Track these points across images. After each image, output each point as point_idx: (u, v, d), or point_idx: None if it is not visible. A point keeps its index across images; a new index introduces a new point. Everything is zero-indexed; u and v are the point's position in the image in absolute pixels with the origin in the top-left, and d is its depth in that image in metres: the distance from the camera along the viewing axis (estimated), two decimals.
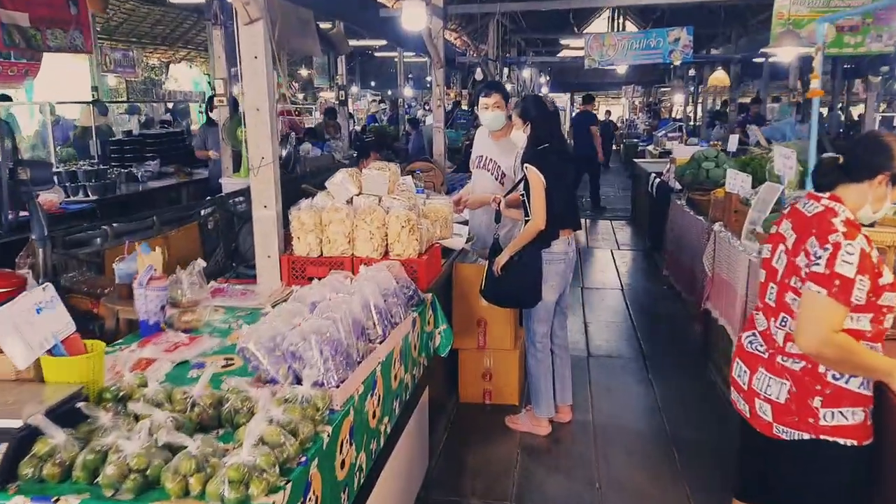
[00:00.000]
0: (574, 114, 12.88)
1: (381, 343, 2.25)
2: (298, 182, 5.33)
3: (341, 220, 3.00)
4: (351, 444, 1.91)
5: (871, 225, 2.29)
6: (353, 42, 12.07)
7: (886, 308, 1.88)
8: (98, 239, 3.93)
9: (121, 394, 1.78)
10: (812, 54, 6.37)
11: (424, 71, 18.19)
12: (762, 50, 7.76)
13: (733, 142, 7.21)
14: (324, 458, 1.70)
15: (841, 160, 1.96)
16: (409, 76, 16.34)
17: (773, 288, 2.07)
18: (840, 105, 11.70)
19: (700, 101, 17.03)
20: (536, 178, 3.33)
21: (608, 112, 20.92)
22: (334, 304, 2.12)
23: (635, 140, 16.09)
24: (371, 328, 2.26)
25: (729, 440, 3.50)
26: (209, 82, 11.42)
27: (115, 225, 4.02)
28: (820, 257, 1.85)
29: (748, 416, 2.12)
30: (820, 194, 1.99)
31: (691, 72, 17.01)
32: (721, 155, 5.82)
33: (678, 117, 18.64)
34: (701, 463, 3.40)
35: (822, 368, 1.93)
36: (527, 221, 3.44)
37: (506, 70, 13.90)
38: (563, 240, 3.51)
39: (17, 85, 8.58)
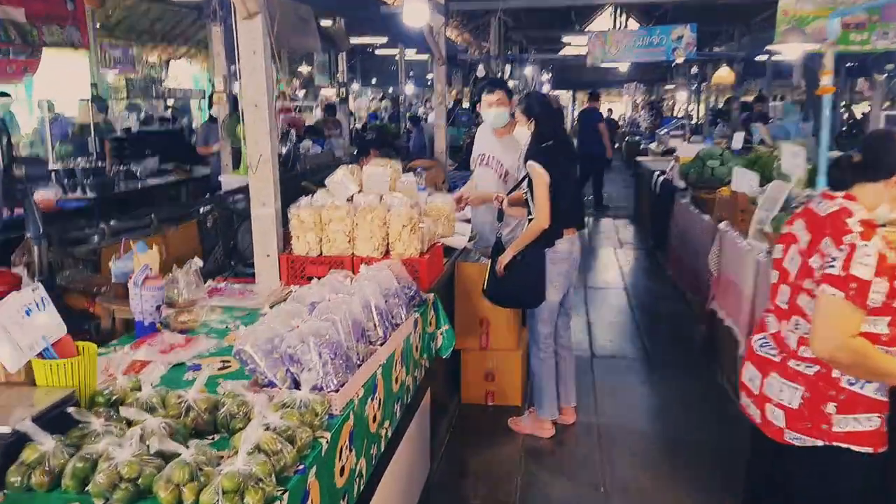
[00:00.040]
0: (579, 111, 12.81)
1: (381, 345, 2.20)
2: (298, 180, 5.27)
3: (341, 219, 2.94)
4: (351, 450, 1.85)
5: (882, 225, 2.23)
6: (353, 39, 12.01)
7: None
8: (95, 237, 3.88)
9: (113, 398, 1.73)
10: (817, 51, 6.31)
11: (425, 68, 18.12)
12: (767, 47, 7.70)
13: (738, 140, 7.15)
14: (322, 465, 1.64)
15: (857, 158, 1.90)
16: (411, 74, 16.25)
17: (784, 290, 2.01)
18: (843, 103, 11.63)
19: (703, 99, 16.96)
20: (540, 176, 3.27)
21: (610, 110, 20.82)
22: (334, 305, 2.07)
23: (637, 138, 16.00)
24: (371, 329, 2.21)
25: (736, 443, 3.44)
26: (209, 79, 11.36)
27: (112, 223, 3.98)
28: (835, 259, 1.79)
29: (759, 421, 2.06)
30: (835, 193, 1.93)
31: (693, 69, 16.94)
32: (726, 153, 5.76)
33: (681, 115, 18.58)
34: (707, 466, 3.35)
35: (836, 373, 1.87)
36: (530, 220, 3.39)
37: (507, 67, 13.82)
38: (567, 239, 3.45)
39: (16, 82, 8.52)
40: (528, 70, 16.77)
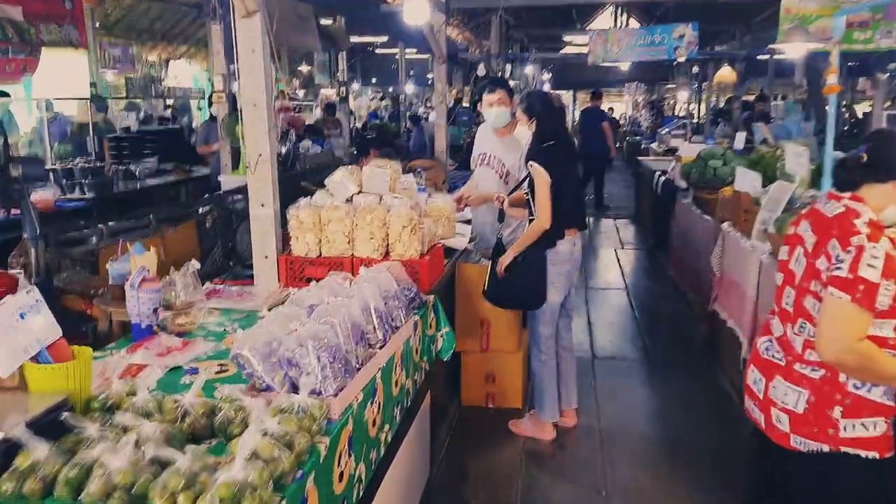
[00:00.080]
0: (581, 110, 12.78)
1: (381, 348, 2.17)
2: (298, 180, 5.24)
3: (341, 220, 2.91)
4: (350, 455, 1.82)
5: (890, 226, 2.20)
6: (353, 38, 11.98)
7: None
8: (93, 238, 3.85)
9: (109, 402, 1.70)
10: (820, 50, 6.28)
11: (426, 68, 18.09)
12: (770, 46, 7.66)
13: (740, 140, 7.12)
14: (321, 471, 1.61)
15: (864, 159, 1.87)
16: (411, 73, 16.23)
17: (790, 292, 1.98)
18: (844, 103, 11.60)
19: (704, 98, 16.92)
20: (541, 176, 3.25)
21: (611, 109, 20.78)
22: (333, 307, 2.04)
23: (638, 137, 15.98)
24: (371, 332, 2.18)
25: (737, 445, 3.42)
26: (209, 79, 11.33)
27: (110, 223, 3.94)
28: (842, 260, 1.76)
29: (763, 425, 2.03)
30: (841, 194, 1.90)
31: (695, 69, 16.90)
32: (729, 153, 5.73)
33: (682, 115, 18.54)
34: (708, 468, 3.32)
35: (842, 377, 1.84)
36: (531, 221, 3.36)
37: (508, 67, 13.79)
38: (568, 240, 3.42)
39: (15, 81, 8.49)
40: (529, 69, 16.73)
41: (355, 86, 18.04)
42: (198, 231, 4.24)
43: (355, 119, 13.42)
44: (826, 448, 1.86)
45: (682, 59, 10.40)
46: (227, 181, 5.81)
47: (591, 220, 9.93)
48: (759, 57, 13.45)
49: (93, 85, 8.79)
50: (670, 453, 3.52)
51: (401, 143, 10.65)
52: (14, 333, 1.62)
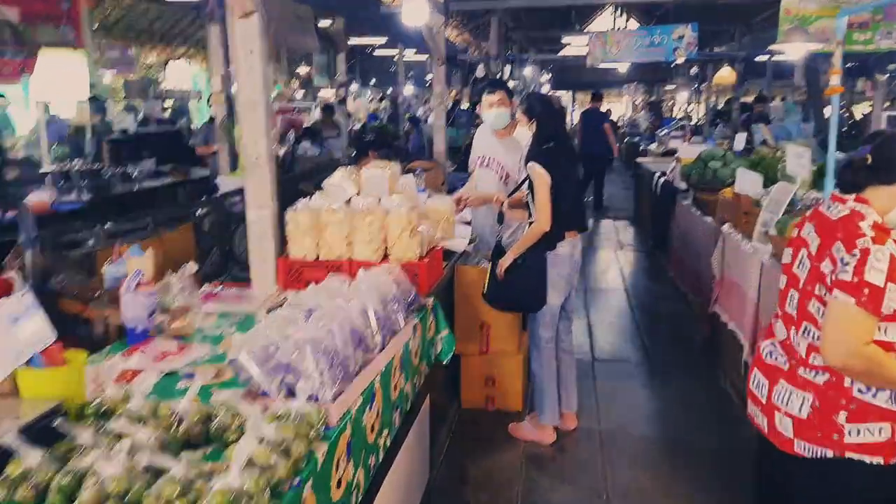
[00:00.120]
0: (581, 111, 12.76)
1: (380, 352, 2.14)
2: (296, 181, 5.22)
3: (339, 222, 2.89)
4: (348, 462, 1.80)
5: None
6: (352, 39, 11.96)
7: None
8: (90, 240, 3.83)
9: (103, 409, 1.68)
10: (821, 51, 6.27)
11: (425, 69, 18.08)
12: (770, 47, 7.64)
13: (740, 141, 7.10)
14: (318, 478, 1.59)
15: (869, 161, 1.85)
16: (410, 74, 16.23)
17: (794, 295, 1.96)
18: (843, 104, 11.59)
19: (703, 99, 16.91)
20: (541, 178, 3.22)
21: (609, 110, 20.79)
22: (331, 311, 2.01)
23: (637, 139, 15.96)
24: (370, 336, 2.15)
25: (738, 446, 3.41)
26: (208, 80, 11.32)
27: (107, 226, 3.92)
28: (847, 264, 1.74)
29: (766, 430, 2.00)
30: (845, 196, 1.88)
31: (694, 70, 16.89)
32: (729, 154, 5.71)
33: (680, 116, 18.54)
34: (710, 471, 3.30)
35: (847, 382, 1.82)
36: (531, 223, 3.34)
37: (507, 68, 13.78)
38: (568, 241, 3.40)
39: (13, 82, 8.46)
40: (528, 70, 16.73)
41: (354, 87, 18.03)
42: (195, 233, 4.21)
43: (354, 121, 13.40)
44: (830, 453, 1.84)
45: (681, 61, 10.40)
46: (226, 183, 5.77)
47: (591, 221, 9.91)
48: (757, 58, 13.45)
49: (91, 86, 8.77)
50: (671, 455, 3.49)
51: (399, 145, 10.62)
52: (6, 338, 1.60)
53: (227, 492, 1.32)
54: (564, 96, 24.83)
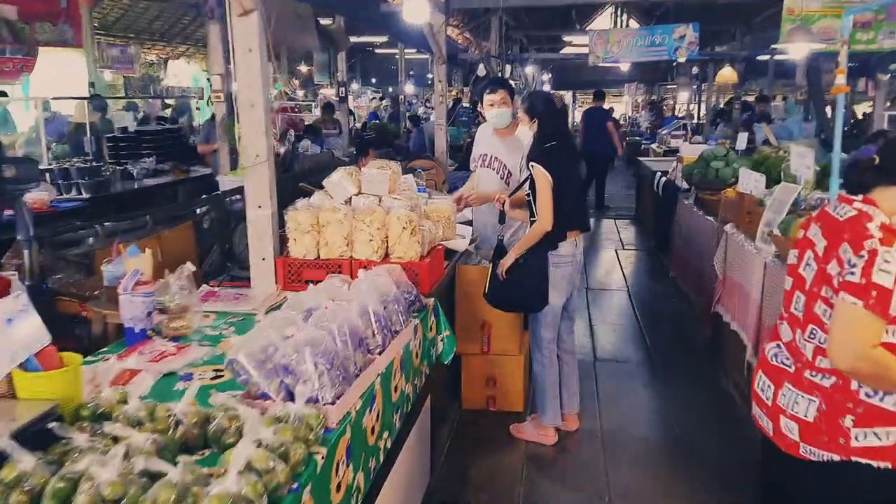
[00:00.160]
0: (584, 110, 12.73)
1: (380, 353, 2.12)
2: (297, 180, 5.19)
3: (339, 221, 2.86)
4: (348, 465, 1.77)
5: None
6: (353, 38, 11.93)
7: None
8: (89, 239, 3.81)
9: (99, 411, 1.65)
10: (825, 50, 6.24)
11: (425, 68, 18.06)
12: (774, 46, 7.61)
13: (742, 140, 7.08)
14: (317, 482, 1.56)
15: (876, 161, 1.82)
16: (410, 73, 16.19)
17: (799, 297, 1.93)
18: (844, 103, 11.56)
19: (704, 98, 16.88)
20: (543, 178, 3.20)
21: (611, 108, 20.75)
22: (330, 312, 1.99)
23: (638, 138, 15.95)
24: (370, 337, 2.13)
25: (742, 448, 3.39)
26: (208, 78, 11.30)
27: (106, 224, 3.90)
28: (854, 265, 1.71)
29: (771, 434, 1.98)
30: (852, 197, 1.85)
31: (694, 69, 16.86)
32: (731, 154, 5.69)
33: (681, 115, 18.51)
34: (713, 473, 3.28)
35: (854, 385, 1.79)
36: (532, 222, 3.31)
37: (508, 67, 13.76)
38: (570, 241, 3.37)
39: (13, 81, 8.44)
40: (529, 69, 16.70)
41: (355, 86, 18.01)
42: (195, 232, 4.19)
43: (355, 119, 13.37)
44: (836, 458, 1.81)
45: (682, 60, 10.38)
46: (226, 181, 5.76)
47: (592, 221, 9.88)
48: (759, 57, 13.42)
49: (91, 84, 8.75)
50: (673, 456, 3.47)
51: (400, 144, 10.60)
52: (1, 340, 1.57)
53: (225, 497, 1.30)
54: (565, 96, 24.81)
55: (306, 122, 9.64)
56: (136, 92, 12.56)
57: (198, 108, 11.89)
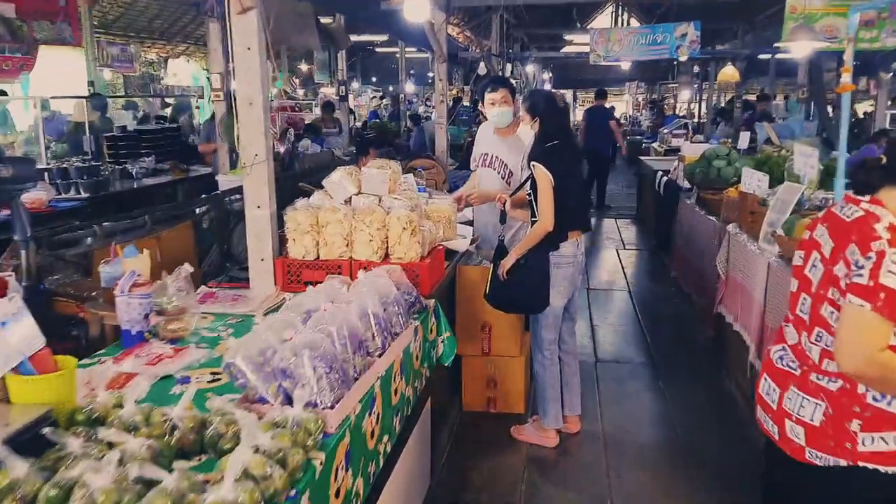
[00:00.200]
0: (586, 109, 12.71)
1: (380, 356, 2.09)
2: (297, 179, 5.17)
3: (339, 221, 2.84)
4: (347, 470, 1.75)
5: None
6: (353, 37, 11.89)
7: None
8: (87, 239, 3.77)
9: (94, 415, 1.62)
10: (828, 49, 6.21)
11: (426, 67, 18.03)
12: (776, 44, 7.57)
13: (744, 139, 7.04)
14: (316, 488, 1.54)
15: (883, 160, 1.79)
16: (411, 72, 16.16)
17: (805, 299, 1.90)
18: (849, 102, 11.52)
19: (705, 97, 16.85)
20: (544, 177, 3.17)
21: (613, 107, 20.73)
22: (330, 314, 1.96)
23: (639, 137, 15.91)
24: (370, 340, 2.10)
25: (745, 449, 3.37)
26: (208, 77, 11.27)
27: (104, 224, 3.87)
28: (862, 267, 1.68)
29: (777, 438, 1.95)
30: (859, 197, 1.82)
31: (695, 68, 16.82)
32: (733, 153, 5.65)
33: (682, 114, 18.47)
34: (715, 474, 3.25)
35: (861, 389, 1.76)
36: (534, 222, 3.28)
37: (509, 66, 13.73)
38: (571, 242, 3.35)
39: (12, 80, 8.41)
40: (530, 68, 16.67)
41: (355, 85, 17.97)
42: (195, 232, 4.16)
43: (355, 118, 13.34)
44: (843, 462, 1.79)
45: (684, 58, 10.35)
46: (225, 181, 5.73)
47: (593, 220, 9.85)
48: (760, 56, 13.39)
49: (90, 83, 8.71)
50: (674, 457, 3.44)
51: (401, 143, 10.57)
52: None
53: None
54: (566, 95, 24.78)
55: (306, 121, 9.62)
56: (136, 91, 12.53)
57: (198, 107, 11.85)
